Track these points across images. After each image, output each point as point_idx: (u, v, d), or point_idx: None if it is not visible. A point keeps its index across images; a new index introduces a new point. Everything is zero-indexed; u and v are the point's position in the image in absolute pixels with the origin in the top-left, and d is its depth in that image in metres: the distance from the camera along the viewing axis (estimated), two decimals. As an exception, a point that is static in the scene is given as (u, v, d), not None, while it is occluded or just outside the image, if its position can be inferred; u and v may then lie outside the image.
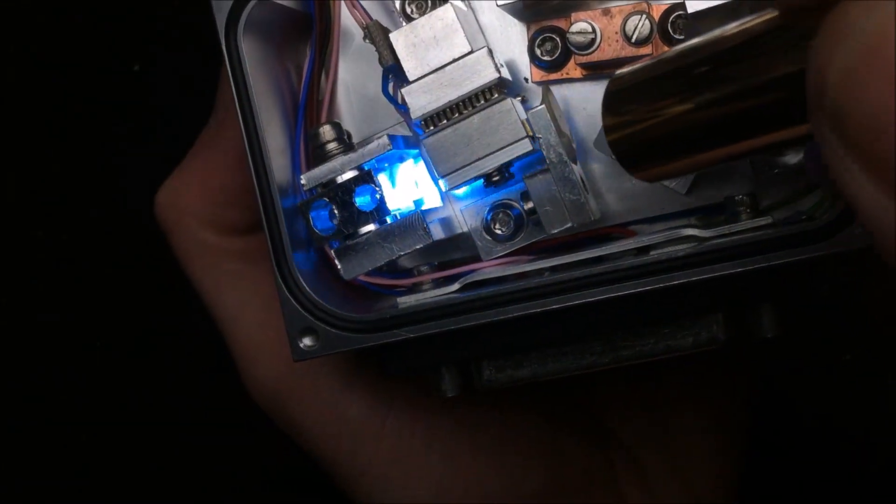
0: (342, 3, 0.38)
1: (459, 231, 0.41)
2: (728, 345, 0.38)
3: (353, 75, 0.41)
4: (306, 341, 0.38)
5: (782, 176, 0.37)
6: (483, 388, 0.40)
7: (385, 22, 0.38)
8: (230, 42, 0.38)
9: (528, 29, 0.39)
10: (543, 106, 0.37)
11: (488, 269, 0.40)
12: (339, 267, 0.38)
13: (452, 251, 0.41)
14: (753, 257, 0.35)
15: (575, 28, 0.37)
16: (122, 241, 0.62)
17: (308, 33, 0.40)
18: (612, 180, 0.40)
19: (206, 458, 0.60)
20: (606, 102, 0.32)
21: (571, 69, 0.39)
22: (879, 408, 0.57)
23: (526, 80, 0.40)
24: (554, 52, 0.39)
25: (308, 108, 0.40)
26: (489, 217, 0.40)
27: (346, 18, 0.39)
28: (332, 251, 0.38)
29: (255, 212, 0.38)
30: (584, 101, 0.40)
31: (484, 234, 0.40)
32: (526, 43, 0.39)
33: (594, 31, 0.37)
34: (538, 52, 0.39)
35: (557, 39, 0.39)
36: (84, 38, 0.61)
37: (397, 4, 0.39)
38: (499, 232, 0.40)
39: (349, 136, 0.39)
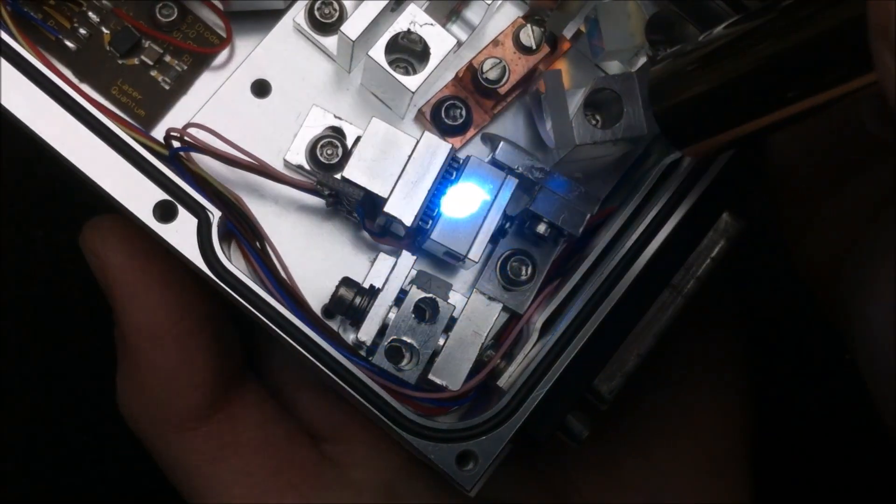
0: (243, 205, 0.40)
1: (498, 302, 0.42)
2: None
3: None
4: (468, 468, 0.37)
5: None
6: (608, 404, 0.41)
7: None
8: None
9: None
10: (502, 143, 0.39)
11: (532, 314, 0.41)
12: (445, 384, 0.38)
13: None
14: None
15: (485, 67, 0.40)
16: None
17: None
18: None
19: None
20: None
21: (480, 119, 0.42)
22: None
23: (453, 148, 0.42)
24: (458, 118, 0.42)
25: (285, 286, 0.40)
26: (505, 271, 0.41)
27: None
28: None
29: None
30: (513, 129, 0.42)
31: (507, 288, 0.41)
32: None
33: (500, 60, 0.40)
34: (447, 120, 0.42)
35: (458, 103, 0.42)
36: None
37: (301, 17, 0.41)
38: (522, 278, 0.41)
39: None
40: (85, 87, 0.42)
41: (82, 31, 0.42)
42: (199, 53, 0.43)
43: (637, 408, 0.47)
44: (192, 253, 0.37)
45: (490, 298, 0.40)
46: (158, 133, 0.42)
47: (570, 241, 0.41)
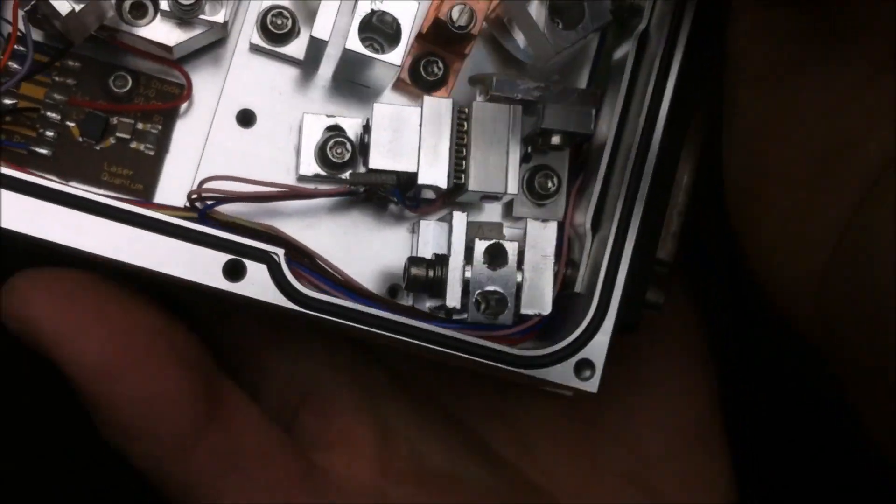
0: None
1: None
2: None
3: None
4: (587, 375, 0.40)
5: None
6: (669, 266, 0.43)
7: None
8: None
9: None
10: (494, 78, 0.41)
11: (573, 217, 0.43)
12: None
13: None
14: None
15: (454, 15, 0.41)
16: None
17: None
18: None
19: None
20: None
21: (456, 64, 0.43)
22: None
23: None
24: (437, 72, 0.43)
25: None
26: (534, 189, 0.43)
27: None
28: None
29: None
30: (484, 61, 0.44)
31: (540, 205, 0.44)
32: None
33: (464, 4, 0.41)
34: (428, 77, 0.43)
35: (433, 58, 0.43)
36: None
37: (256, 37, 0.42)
38: (552, 189, 0.43)
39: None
40: (75, 185, 0.42)
41: (49, 133, 0.42)
42: (168, 109, 0.43)
43: (603, 393, 0.47)
44: (276, 298, 0.38)
45: (543, 221, 0.42)
46: (162, 199, 0.42)
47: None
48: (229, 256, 0.38)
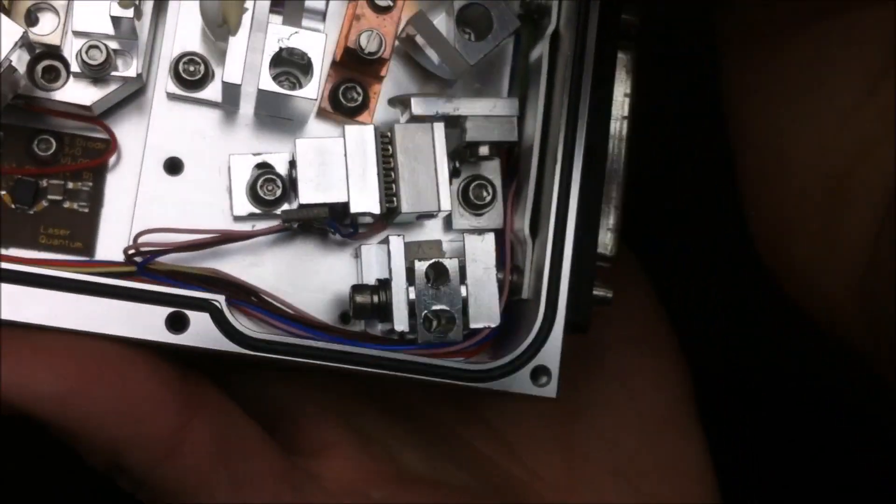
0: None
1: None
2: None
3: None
4: (543, 381, 0.40)
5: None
6: (612, 260, 0.44)
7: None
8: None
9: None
10: (412, 99, 0.41)
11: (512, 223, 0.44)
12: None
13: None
14: None
15: (363, 42, 0.41)
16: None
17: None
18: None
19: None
20: None
21: (374, 87, 0.43)
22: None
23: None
24: (357, 97, 0.43)
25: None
26: (469, 200, 0.44)
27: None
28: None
29: None
30: (403, 79, 0.44)
31: (478, 214, 0.44)
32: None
33: (371, 30, 0.41)
34: (348, 104, 0.43)
35: (350, 83, 0.43)
36: None
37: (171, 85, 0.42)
38: (487, 199, 0.44)
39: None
40: (14, 251, 0.42)
41: (-21, 204, 0.42)
42: (96, 165, 0.43)
43: (578, 389, 0.48)
44: (224, 344, 0.38)
45: (479, 232, 0.42)
46: (103, 254, 0.42)
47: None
48: (169, 310, 0.38)
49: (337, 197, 0.40)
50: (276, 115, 0.43)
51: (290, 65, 0.41)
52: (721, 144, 0.42)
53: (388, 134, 0.41)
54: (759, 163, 0.40)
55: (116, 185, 0.43)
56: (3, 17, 0.38)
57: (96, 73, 0.41)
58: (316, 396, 0.46)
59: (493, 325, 0.41)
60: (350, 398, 0.46)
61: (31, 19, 0.41)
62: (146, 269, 0.40)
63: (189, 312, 0.38)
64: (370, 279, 0.42)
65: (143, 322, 0.38)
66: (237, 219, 0.42)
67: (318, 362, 0.39)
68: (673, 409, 0.50)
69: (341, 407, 0.45)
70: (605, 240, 0.43)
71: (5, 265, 0.37)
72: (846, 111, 0.38)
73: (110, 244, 0.43)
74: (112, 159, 0.43)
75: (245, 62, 0.40)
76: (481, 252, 0.42)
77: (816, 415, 0.54)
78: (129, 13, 0.39)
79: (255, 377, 0.46)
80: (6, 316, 0.37)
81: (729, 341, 0.58)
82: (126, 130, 0.43)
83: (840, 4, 0.37)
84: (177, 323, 0.38)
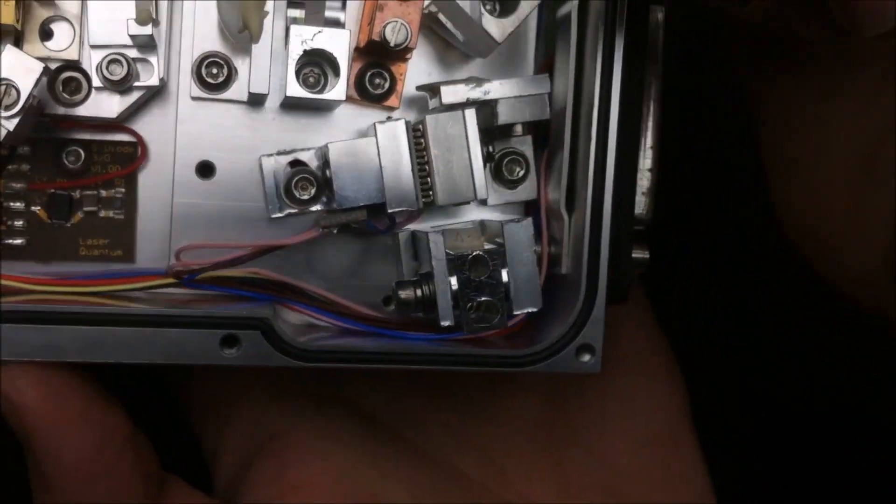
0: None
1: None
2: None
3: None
4: (587, 359, 0.41)
5: None
6: (648, 224, 0.44)
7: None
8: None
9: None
10: (441, 87, 0.40)
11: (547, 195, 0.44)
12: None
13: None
14: None
15: (388, 34, 0.40)
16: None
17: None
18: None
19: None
20: None
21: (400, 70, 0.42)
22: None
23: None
24: (384, 83, 0.42)
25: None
26: (503, 177, 0.43)
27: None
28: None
29: None
30: (428, 60, 0.43)
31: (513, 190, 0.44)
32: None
33: (396, 20, 0.40)
34: (375, 91, 0.42)
35: (376, 69, 0.42)
36: None
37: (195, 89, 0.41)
38: (521, 173, 0.43)
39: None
40: (56, 267, 0.42)
41: (18, 223, 0.42)
42: (128, 172, 0.42)
43: (572, 411, 0.48)
44: (279, 361, 0.39)
45: (517, 221, 0.42)
46: (143, 258, 0.43)
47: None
48: (221, 332, 0.38)
49: (374, 198, 0.40)
50: (303, 108, 0.42)
51: (315, 64, 0.40)
52: (721, 144, 0.42)
53: (420, 127, 0.40)
54: (787, 145, 0.40)
55: (149, 188, 0.43)
56: (23, 53, 0.37)
57: (119, 87, 0.40)
58: (308, 428, 0.46)
59: (535, 310, 0.42)
60: (341, 432, 0.46)
61: (44, 32, 0.40)
62: (193, 280, 0.40)
63: (240, 332, 0.38)
64: (408, 265, 0.43)
65: (196, 348, 0.38)
66: (273, 220, 0.42)
67: (372, 365, 0.40)
68: (670, 430, 0.49)
69: (331, 442, 0.46)
70: (641, 207, 0.43)
71: (56, 308, 0.38)
72: (873, 91, 0.37)
73: (149, 249, 0.43)
74: (143, 163, 0.43)
75: (270, 69, 0.39)
76: (520, 238, 0.42)
77: (816, 415, 0.55)
78: (148, 30, 0.38)
79: (257, 403, 0.47)
80: (66, 358, 0.38)
81: (729, 341, 0.58)
82: (151, 129, 0.42)
83: None
84: (230, 345, 0.39)
